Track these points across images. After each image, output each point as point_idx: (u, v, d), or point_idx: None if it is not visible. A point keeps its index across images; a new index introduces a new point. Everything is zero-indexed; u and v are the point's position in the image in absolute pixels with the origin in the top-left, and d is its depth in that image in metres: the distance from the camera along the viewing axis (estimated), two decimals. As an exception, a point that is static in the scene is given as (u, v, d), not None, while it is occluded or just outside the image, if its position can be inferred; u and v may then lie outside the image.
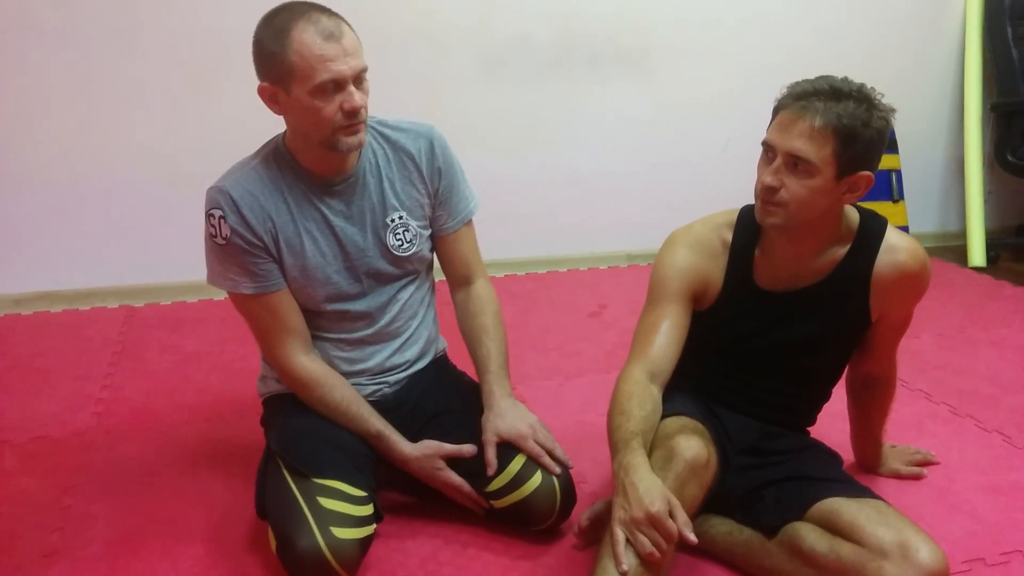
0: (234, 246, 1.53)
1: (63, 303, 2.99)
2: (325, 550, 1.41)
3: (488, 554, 1.63)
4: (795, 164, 1.39)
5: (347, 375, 1.67)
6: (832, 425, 1.82)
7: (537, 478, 1.60)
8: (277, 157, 1.58)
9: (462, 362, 1.89)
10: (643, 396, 1.45)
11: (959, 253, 3.73)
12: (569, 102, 3.36)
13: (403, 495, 1.78)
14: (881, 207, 3.63)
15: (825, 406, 1.75)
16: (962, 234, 3.77)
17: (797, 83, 1.42)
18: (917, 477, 1.90)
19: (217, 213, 1.52)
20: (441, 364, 1.85)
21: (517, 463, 1.61)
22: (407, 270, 1.70)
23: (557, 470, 1.61)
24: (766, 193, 1.43)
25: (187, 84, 2.94)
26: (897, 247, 1.54)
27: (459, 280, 1.79)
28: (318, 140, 1.50)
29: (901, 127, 3.69)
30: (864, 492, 1.52)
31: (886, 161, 3.71)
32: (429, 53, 3.16)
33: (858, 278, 1.54)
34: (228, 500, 1.80)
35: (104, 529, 1.71)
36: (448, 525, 1.71)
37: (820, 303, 1.56)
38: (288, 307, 1.60)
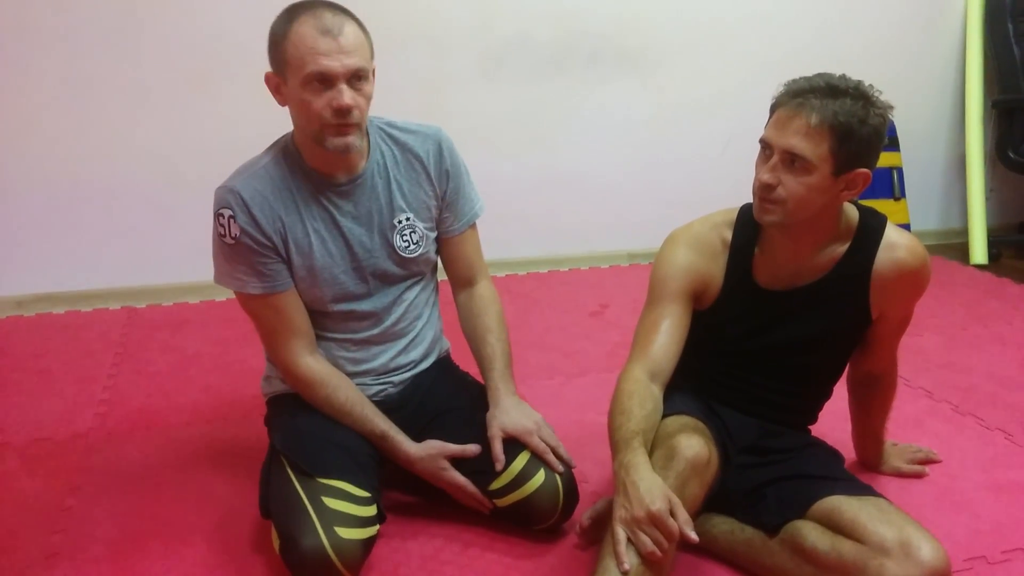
0: (243, 246, 1.54)
1: (65, 304, 3.00)
2: (329, 550, 1.41)
3: (490, 554, 1.63)
4: (792, 161, 1.39)
5: (352, 375, 1.67)
6: (833, 423, 1.81)
7: (540, 477, 1.60)
8: (286, 156, 1.58)
9: (465, 362, 1.90)
10: (644, 395, 1.45)
11: (961, 251, 3.73)
12: (569, 102, 3.36)
13: (405, 494, 1.78)
14: (882, 205, 3.64)
15: (826, 404, 1.75)
16: (964, 231, 3.77)
17: (794, 81, 1.42)
18: (919, 475, 1.90)
19: (227, 213, 1.53)
20: (445, 364, 1.86)
21: (520, 462, 1.61)
22: (413, 271, 1.70)
23: (560, 468, 1.61)
24: (763, 191, 1.43)
25: (188, 85, 2.94)
26: (897, 244, 1.54)
27: (462, 281, 1.80)
28: (310, 135, 1.51)
29: (902, 124, 3.71)
30: (865, 490, 1.52)
31: (887, 159, 3.71)
32: (429, 53, 3.16)
33: (858, 276, 1.54)
34: (230, 500, 1.80)
35: (106, 530, 1.71)
36: (450, 525, 1.71)
37: (820, 301, 1.56)
38: (294, 308, 1.61)
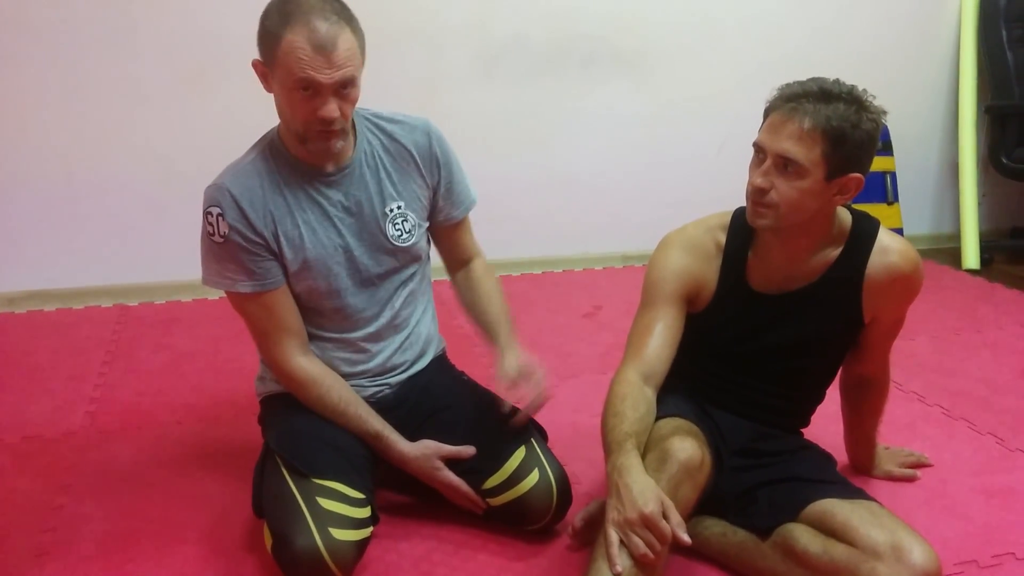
0: (232, 243, 1.53)
1: (56, 302, 2.99)
2: (323, 551, 1.41)
3: (482, 555, 1.63)
4: (785, 166, 1.39)
5: (348, 376, 1.67)
6: (826, 427, 1.82)
7: (534, 476, 1.60)
8: (273, 151, 1.58)
9: (461, 362, 1.90)
10: (637, 398, 1.45)
11: (953, 255, 3.74)
12: (565, 103, 3.36)
13: (398, 495, 1.78)
14: (875, 209, 3.65)
15: (819, 407, 1.75)
16: (956, 236, 3.78)
17: (788, 85, 1.43)
18: (910, 479, 1.90)
19: (215, 211, 1.52)
20: (441, 363, 1.85)
21: (514, 461, 1.61)
22: (406, 262, 1.69)
23: (521, 406, 1.61)
24: (756, 194, 1.43)
25: (182, 83, 2.93)
26: (889, 249, 1.54)
27: (458, 263, 1.81)
28: (293, 132, 1.51)
29: (896, 129, 3.72)
30: (857, 493, 1.52)
31: (881, 163, 3.72)
32: (425, 53, 3.15)
33: (850, 280, 1.55)
34: (222, 500, 1.80)
35: (97, 529, 1.70)
36: (442, 526, 1.71)
37: (813, 305, 1.56)
38: (286, 306, 1.60)
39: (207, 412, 2.22)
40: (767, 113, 1.44)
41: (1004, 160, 3.61)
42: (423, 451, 1.63)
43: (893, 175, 3.77)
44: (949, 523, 1.75)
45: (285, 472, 1.54)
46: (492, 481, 1.62)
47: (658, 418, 1.50)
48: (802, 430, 1.76)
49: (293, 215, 1.56)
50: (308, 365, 1.62)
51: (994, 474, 1.95)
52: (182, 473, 1.91)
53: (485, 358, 2.54)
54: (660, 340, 1.53)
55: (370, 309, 1.67)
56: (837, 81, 1.41)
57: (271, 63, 1.44)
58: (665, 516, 1.29)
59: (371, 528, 1.51)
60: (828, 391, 1.74)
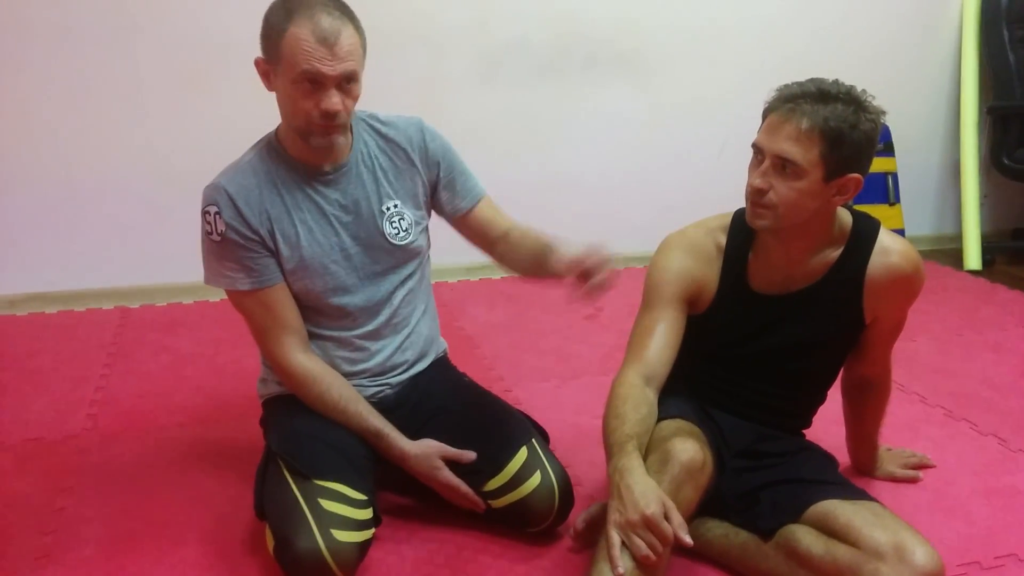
0: (230, 241, 1.54)
1: (58, 304, 2.99)
2: (325, 552, 1.41)
3: (484, 556, 1.63)
4: (783, 167, 1.39)
5: (349, 375, 1.67)
6: (827, 428, 1.82)
7: (536, 478, 1.60)
8: (270, 151, 1.59)
9: (462, 363, 1.90)
10: (638, 399, 1.45)
11: (955, 256, 3.74)
12: (565, 104, 3.36)
13: (400, 497, 1.78)
14: (877, 210, 3.65)
15: (820, 409, 1.75)
16: (958, 237, 3.78)
17: (786, 86, 1.43)
18: (912, 480, 1.90)
19: (212, 210, 1.54)
20: (442, 365, 1.85)
21: (516, 463, 1.61)
22: (403, 260, 1.69)
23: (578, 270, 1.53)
24: (755, 195, 1.44)
25: (183, 85, 2.93)
26: (890, 249, 1.54)
27: (492, 240, 1.76)
28: (295, 128, 1.52)
29: (897, 130, 3.72)
30: (860, 494, 1.52)
31: (882, 164, 3.72)
32: (426, 55, 3.16)
33: (851, 281, 1.55)
34: (223, 502, 1.80)
35: (98, 531, 1.70)
36: (445, 528, 1.70)
37: (814, 306, 1.56)
38: (285, 303, 1.60)
39: (208, 414, 2.21)
40: (765, 114, 1.44)
41: (1006, 161, 3.61)
42: (424, 449, 1.63)
43: (895, 176, 3.77)
44: (951, 524, 1.75)
45: (287, 474, 1.53)
46: (494, 483, 1.61)
47: (659, 420, 1.50)
48: (804, 431, 1.76)
49: (290, 214, 1.57)
50: (308, 363, 1.62)
51: (996, 475, 1.95)
52: (183, 475, 1.91)
53: (486, 360, 2.55)
54: (661, 342, 1.53)
55: (369, 307, 1.67)
56: (836, 82, 1.41)
57: (275, 58, 1.46)
58: (667, 517, 1.29)
59: (373, 529, 1.51)
60: (830, 392, 1.74)
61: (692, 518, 1.45)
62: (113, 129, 2.92)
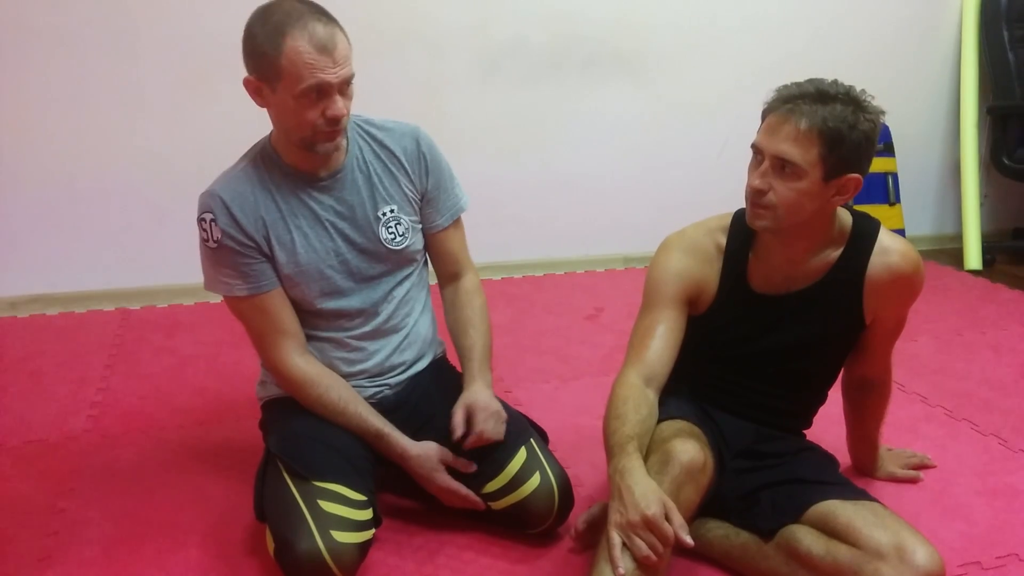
0: (225, 248, 1.54)
1: (59, 306, 2.99)
2: (325, 553, 1.41)
3: (485, 558, 1.63)
4: (782, 167, 1.39)
5: (347, 376, 1.67)
6: (828, 428, 1.82)
7: (535, 479, 1.60)
8: (264, 158, 1.59)
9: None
10: (639, 400, 1.45)
11: (955, 256, 3.74)
12: (565, 105, 3.36)
13: (400, 498, 1.78)
14: (877, 210, 3.65)
15: (821, 409, 1.75)
16: (958, 237, 3.78)
17: (785, 87, 1.43)
18: (913, 480, 1.90)
19: (208, 217, 1.54)
20: (441, 366, 1.85)
21: (516, 464, 1.61)
22: (400, 264, 1.70)
23: (457, 434, 1.60)
24: (754, 196, 1.44)
25: (184, 87, 2.94)
26: (890, 249, 1.54)
27: (448, 276, 1.81)
28: (296, 139, 1.52)
29: (897, 129, 3.72)
30: (860, 495, 1.52)
31: (882, 164, 3.72)
32: (426, 56, 3.16)
33: (851, 280, 1.55)
34: (224, 503, 1.80)
35: (99, 533, 1.70)
36: (445, 529, 1.71)
37: (814, 306, 1.56)
38: (281, 308, 1.61)
39: (209, 416, 2.22)
40: (764, 115, 1.44)
41: (1006, 161, 3.61)
42: (426, 451, 1.63)
43: (895, 176, 3.77)
44: (952, 524, 1.75)
45: (286, 475, 1.54)
46: (493, 485, 1.61)
47: (660, 420, 1.50)
48: (804, 431, 1.76)
49: (285, 221, 1.58)
50: (306, 366, 1.62)
51: (997, 475, 1.95)
52: (184, 477, 1.91)
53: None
54: (662, 342, 1.53)
55: (366, 308, 1.67)
56: (835, 82, 1.41)
57: (272, 75, 1.45)
58: (667, 518, 1.29)
59: (373, 530, 1.51)
60: (830, 392, 1.74)
61: (693, 519, 1.45)
62: (114, 131, 2.92)
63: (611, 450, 1.40)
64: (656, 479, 1.36)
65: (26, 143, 2.86)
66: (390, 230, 1.66)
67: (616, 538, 1.30)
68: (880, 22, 3.63)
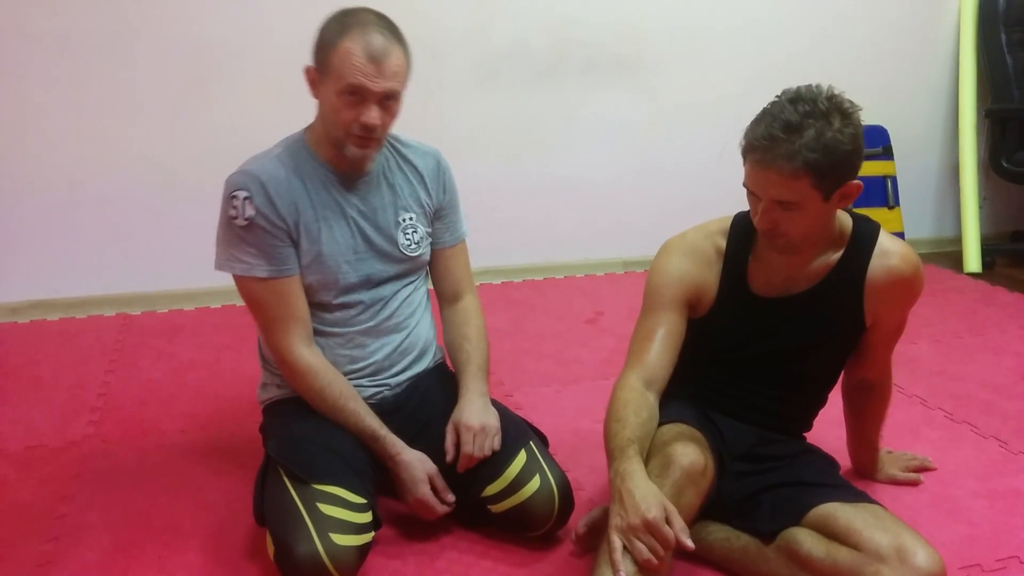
0: (256, 227, 1.57)
1: (59, 311, 2.99)
2: (324, 557, 1.41)
3: (485, 561, 1.63)
4: (781, 205, 1.39)
5: (349, 374, 1.68)
6: (828, 431, 1.82)
7: (535, 482, 1.60)
8: (299, 149, 1.64)
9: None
10: (639, 403, 1.46)
11: (954, 259, 3.74)
12: (565, 109, 3.37)
13: (400, 502, 1.78)
14: (876, 213, 3.66)
15: (821, 412, 1.75)
16: (957, 240, 3.79)
17: (754, 125, 1.38)
18: (914, 483, 1.90)
19: (242, 194, 1.56)
20: (440, 371, 1.86)
21: (516, 467, 1.61)
22: (409, 271, 1.74)
23: (449, 457, 1.63)
24: (766, 234, 1.45)
25: (183, 92, 2.94)
26: (890, 252, 1.54)
27: (449, 297, 1.84)
28: (332, 136, 1.58)
29: (896, 133, 3.73)
30: (861, 497, 1.52)
31: (881, 167, 3.73)
32: (426, 60, 3.13)
33: (851, 283, 1.55)
34: (225, 508, 1.80)
35: (100, 538, 1.70)
36: (445, 532, 1.70)
37: (814, 309, 1.56)
38: (297, 295, 1.63)
39: (209, 420, 2.22)
40: (743, 155, 1.41)
41: (1005, 164, 3.62)
42: (419, 461, 1.63)
43: (894, 179, 3.78)
44: (953, 527, 1.75)
45: (285, 479, 1.54)
46: (493, 488, 1.62)
47: (661, 424, 1.50)
48: (805, 434, 1.76)
49: (314, 209, 1.62)
50: (312, 357, 1.63)
51: (998, 477, 1.95)
52: (185, 481, 1.91)
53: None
54: (662, 346, 1.53)
55: (372, 305, 1.70)
56: (797, 99, 1.36)
57: (324, 68, 1.53)
58: (668, 521, 1.29)
59: (372, 533, 1.51)
60: (830, 395, 1.74)
61: (693, 522, 1.45)
62: (113, 136, 2.92)
63: (611, 453, 1.41)
64: (657, 482, 1.36)
65: (26, 148, 2.86)
66: (407, 236, 1.70)
67: (617, 542, 1.30)
68: (878, 26, 3.64)
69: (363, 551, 1.48)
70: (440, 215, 1.78)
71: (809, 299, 1.56)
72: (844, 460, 1.85)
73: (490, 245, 3.11)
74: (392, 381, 1.74)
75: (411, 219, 1.71)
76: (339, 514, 1.47)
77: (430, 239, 1.77)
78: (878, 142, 3.72)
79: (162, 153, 2.97)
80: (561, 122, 3.38)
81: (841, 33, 3.59)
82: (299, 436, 1.62)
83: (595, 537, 1.54)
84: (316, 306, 1.67)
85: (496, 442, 1.64)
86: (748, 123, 1.41)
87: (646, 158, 3.52)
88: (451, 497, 1.65)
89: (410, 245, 1.71)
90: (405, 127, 1.72)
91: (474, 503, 1.65)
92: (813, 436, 1.77)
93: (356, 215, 1.66)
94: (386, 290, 1.71)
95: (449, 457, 1.63)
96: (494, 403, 1.72)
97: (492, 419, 1.67)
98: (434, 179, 1.75)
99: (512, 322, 2.94)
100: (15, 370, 2.53)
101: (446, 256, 1.81)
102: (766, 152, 1.35)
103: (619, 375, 1.53)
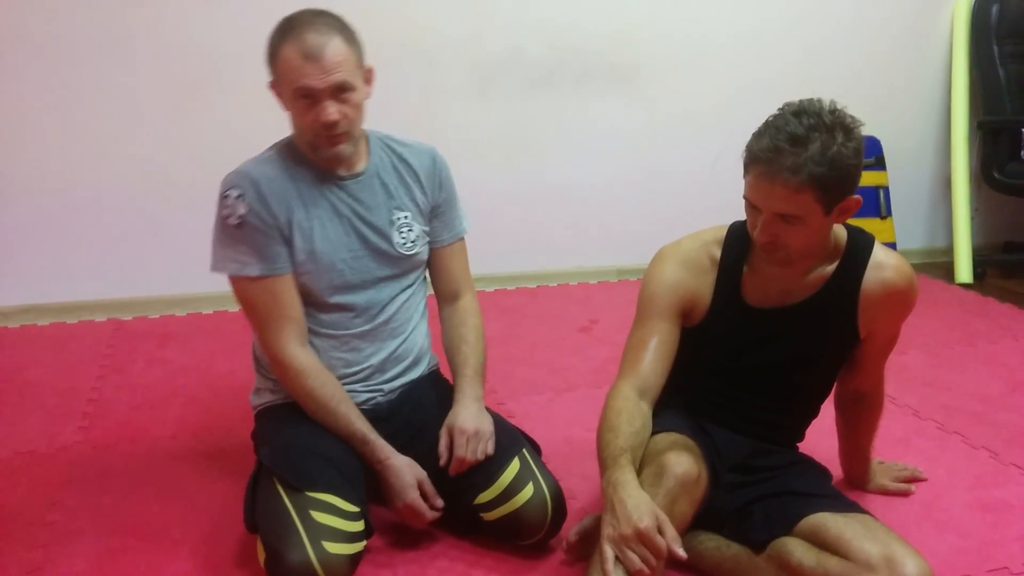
0: (248, 225, 1.57)
1: (50, 316, 2.98)
2: (316, 564, 1.40)
3: (477, 570, 1.63)
4: (783, 218, 1.40)
5: (343, 378, 1.68)
6: (820, 441, 1.82)
7: (528, 490, 1.60)
8: (290, 151, 1.65)
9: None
10: (632, 412, 1.46)
11: (946, 270, 3.76)
12: (560, 117, 3.38)
13: (388, 508, 1.77)
14: (869, 223, 3.67)
15: (814, 422, 1.75)
16: (949, 251, 3.80)
17: (758, 136, 1.38)
18: (905, 493, 1.90)
19: (234, 192, 1.57)
20: (434, 378, 1.86)
21: (508, 475, 1.61)
22: (406, 271, 1.74)
23: (442, 460, 1.63)
24: (765, 248, 1.45)
25: (177, 96, 2.94)
26: (884, 264, 1.55)
27: (447, 295, 1.83)
28: (306, 141, 1.60)
29: (889, 144, 3.74)
30: (851, 507, 1.52)
31: (874, 178, 3.74)
32: (422, 67, 3.17)
33: (846, 295, 1.55)
34: (215, 515, 1.79)
35: (89, 545, 1.69)
36: (437, 541, 1.70)
37: (808, 320, 1.57)
38: (291, 294, 1.63)
39: (201, 426, 2.21)
40: (746, 167, 1.41)
41: (996, 175, 3.63)
42: (408, 466, 1.63)
43: (886, 190, 3.79)
44: (943, 537, 1.75)
45: (278, 486, 1.53)
46: (485, 496, 1.61)
47: (654, 433, 1.50)
48: (797, 444, 1.76)
49: (307, 208, 1.62)
50: (305, 357, 1.63)
51: (988, 488, 1.95)
52: (175, 488, 1.91)
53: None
54: (655, 354, 1.53)
55: (368, 308, 1.69)
56: (801, 110, 1.36)
57: (277, 80, 1.56)
58: (660, 531, 1.29)
59: (364, 542, 1.51)
60: (823, 406, 1.74)
61: (686, 532, 1.45)
62: (107, 141, 2.92)
63: (604, 462, 1.41)
64: (650, 492, 1.36)
65: (20, 152, 2.86)
66: (402, 235, 1.70)
67: (609, 551, 1.30)
68: (871, 37, 3.66)
69: (355, 560, 1.48)
70: (437, 213, 1.77)
71: (803, 311, 1.56)
72: (836, 470, 1.85)
73: (484, 252, 3.09)
74: (386, 387, 1.73)
75: (406, 218, 1.71)
76: (332, 522, 1.46)
77: (427, 238, 1.76)
78: (871, 152, 3.74)
79: (155, 158, 2.97)
80: (556, 130, 3.39)
81: (835, 44, 3.61)
82: (292, 443, 1.61)
83: (587, 545, 1.54)
84: (311, 306, 1.66)
85: (489, 447, 1.64)
86: (743, 133, 1.41)
87: (640, 166, 3.52)
88: (440, 503, 1.64)
89: (405, 244, 1.71)
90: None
91: (466, 511, 1.65)
92: (805, 446, 1.77)
93: (350, 214, 1.66)
94: (383, 294, 1.70)
95: (442, 460, 1.63)
96: (487, 411, 1.72)
97: (486, 424, 1.67)
98: (429, 176, 1.75)
99: (505, 330, 2.94)
100: (5, 375, 2.52)
101: (444, 254, 1.80)
102: (771, 164, 1.35)
103: (612, 384, 1.53)
